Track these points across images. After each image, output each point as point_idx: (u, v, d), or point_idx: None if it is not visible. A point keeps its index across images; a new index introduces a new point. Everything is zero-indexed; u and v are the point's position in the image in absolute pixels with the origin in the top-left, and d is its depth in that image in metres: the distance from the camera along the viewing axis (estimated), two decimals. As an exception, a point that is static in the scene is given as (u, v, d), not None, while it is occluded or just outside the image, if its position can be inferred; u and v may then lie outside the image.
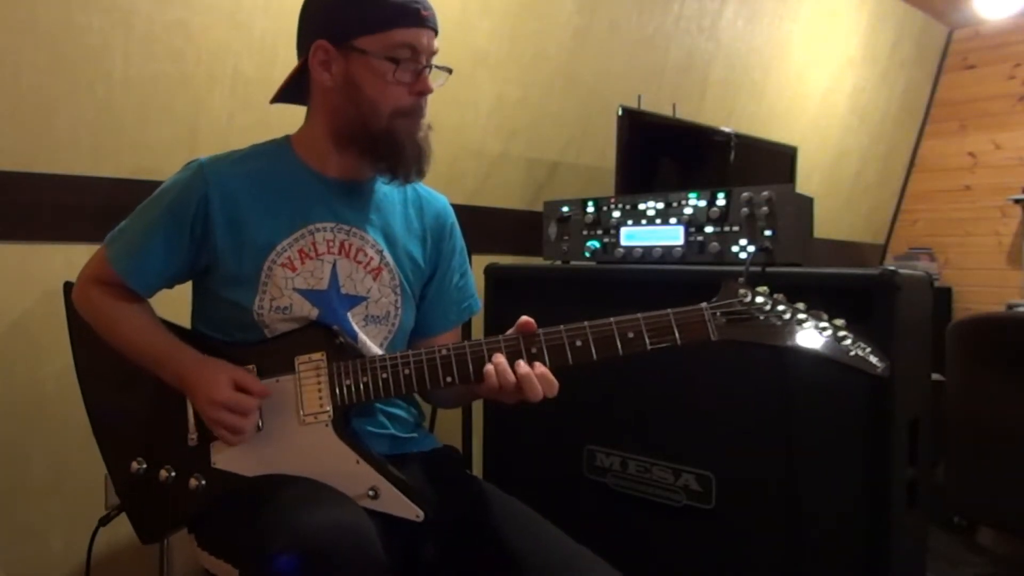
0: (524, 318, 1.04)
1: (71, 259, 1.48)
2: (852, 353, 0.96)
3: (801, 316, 0.99)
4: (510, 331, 1.05)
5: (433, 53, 1.12)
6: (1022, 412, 2.10)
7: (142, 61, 1.59)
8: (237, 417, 1.03)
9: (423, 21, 1.10)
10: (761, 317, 0.99)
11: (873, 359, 0.96)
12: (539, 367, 1.01)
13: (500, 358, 1.01)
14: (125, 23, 1.55)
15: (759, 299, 1.00)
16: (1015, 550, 2.56)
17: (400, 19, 1.08)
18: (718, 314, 0.99)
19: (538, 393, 1.00)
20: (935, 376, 1.71)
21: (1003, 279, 3.83)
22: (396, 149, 1.12)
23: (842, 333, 0.98)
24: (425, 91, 1.12)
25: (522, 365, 1.01)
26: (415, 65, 1.10)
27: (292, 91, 1.18)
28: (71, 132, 1.55)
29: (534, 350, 1.02)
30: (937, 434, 1.71)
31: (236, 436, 1.05)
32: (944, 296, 3.81)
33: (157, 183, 1.19)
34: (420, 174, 1.16)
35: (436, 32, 1.12)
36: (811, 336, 0.98)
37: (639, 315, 1.01)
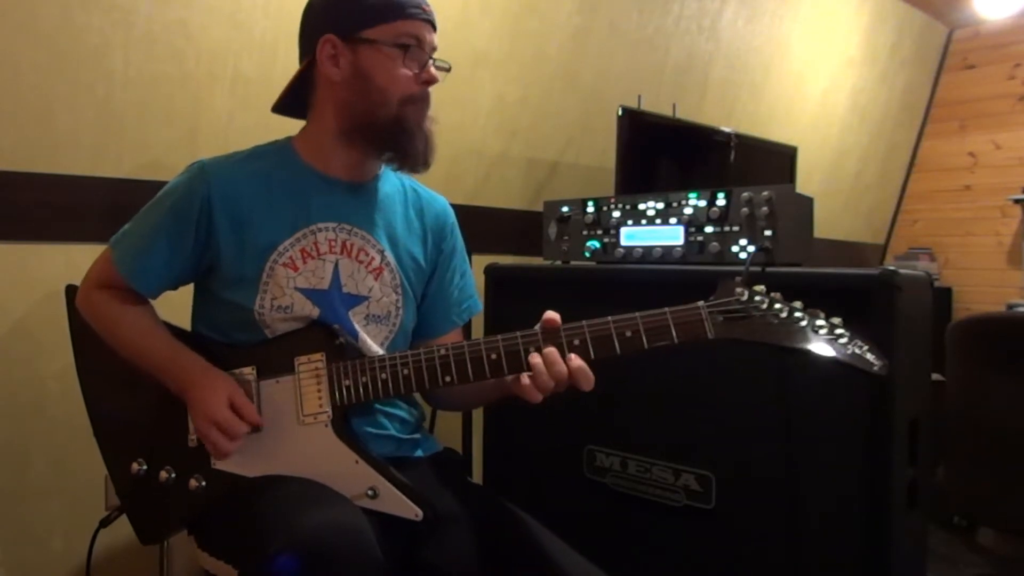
0: (549, 314, 1.03)
1: (72, 259, 1.48)
2: (850, 351, 0.96)
3: (798, 314, 0.98)
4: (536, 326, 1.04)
5: (434, 49, 1.15)
6: (1022, 412, 2.10)
7: (142, 61, 1.59)
8: (223, 438, 1.04)
9: (427, 15, 1.14)
10: (758, 315, 0.98)
11: (871, 357, 0.96)
12: (576, 360, 1.01)
13: (551, 349, 1.00)
14: (125, 23, 1.55)
15: (756, 298, 0.99)
16: (1015, 550, 2.56)
17: (404, 11, 1.11)
18: (715, 313, 0.99)
19: (591, 383, 1.00)
20: (935, 376, 1.71)
21: (1003, 279, 3.83)
22: (405, 136, 1.14)
23: (839, 331, 0.97)
24: (431, 80, 1.15)
25: (574, 358, 1.00)
26: (421, 55, 1.13)
27: (291, 101, 1.19)
28: (71, 132, 1.55)
29: (533, 350, 1.02)
30: (937, 434, 1.70)
31: (217, 454, 1.06)
32: (944, 296, 3.81)
33: (157, 183, 1.19)
34: (426, 165, 1.17)
35: (435, 29, 1.16)
36: (808, 334, 0.97)
37: (636, 314, 1.01)
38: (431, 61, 1.14)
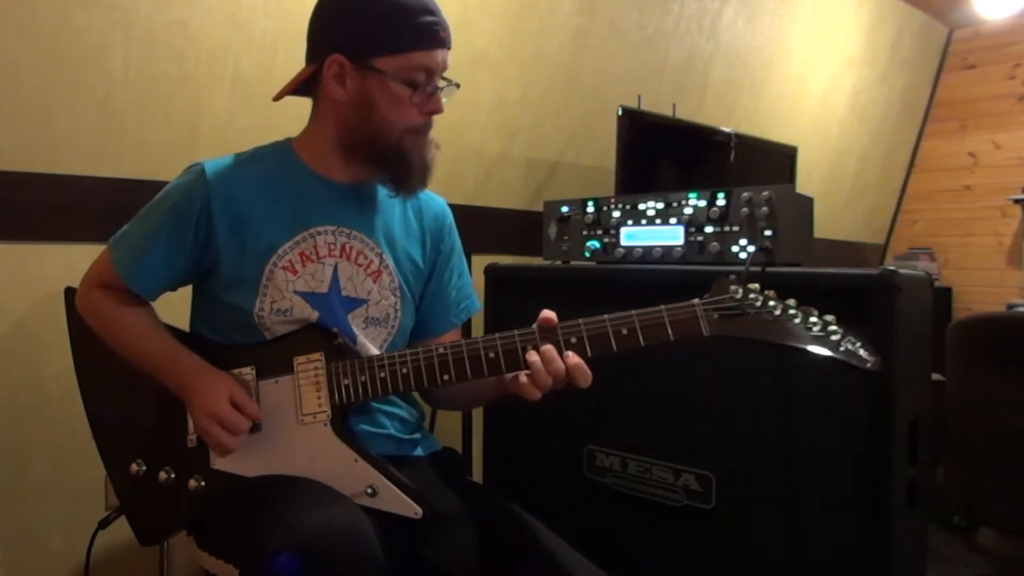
0: (545, 313, 1.03)
1: (72, 259, 1.48)
2: (843, 348, 0.97)
3: (791, 311, 0.99)
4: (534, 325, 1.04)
5: (445, 68, 1.13)
6: (1021, 412, 2.10)
7: (142, 61, 1.59)
8: (226, 434, 1.04)
9: (441, 42, 1.11)
10: (752, 313, 0.99)
11: (863, 352, 0.97)
12: (573, 357, 1.01)
13: (549, 347, 1.01)
14: (125, 23, 1.55)
15: (750, 295, 1.00)
16: (1015, 550, 2.56)
17: (420, 42, 1.09)
18: (710, 310, 1.00)
19: (588, 379, 1.01)
20: (935, 376, 1.71)
21: (1003, 279, 3.83)
22: (403, 165, 1.14)
23: (832, 328, 0.98)
24: (436, 111, 1.14)
25: (572, 356, 1.01)
26: (430, 87, 1.11)
27: (294, 91, 1.18)
28: (71, 132, 1.55)
29: (530, 348, 1.02)
30: (937, 434, 1.70)
31: (221, 451, 1.06)
32: (944, 296, 3.81)
33: (157, 183, 1.19)
34: (423, 187, 1.18)
35: (449, 47, 1.13)
36: (801, 331, 0.98)
37: (632, 312, 1.01)
38: (439, 89, 1.13)
